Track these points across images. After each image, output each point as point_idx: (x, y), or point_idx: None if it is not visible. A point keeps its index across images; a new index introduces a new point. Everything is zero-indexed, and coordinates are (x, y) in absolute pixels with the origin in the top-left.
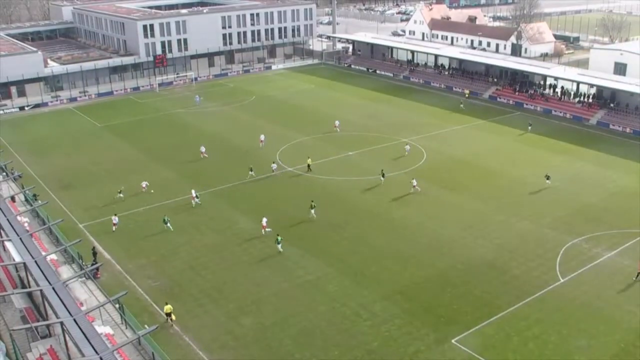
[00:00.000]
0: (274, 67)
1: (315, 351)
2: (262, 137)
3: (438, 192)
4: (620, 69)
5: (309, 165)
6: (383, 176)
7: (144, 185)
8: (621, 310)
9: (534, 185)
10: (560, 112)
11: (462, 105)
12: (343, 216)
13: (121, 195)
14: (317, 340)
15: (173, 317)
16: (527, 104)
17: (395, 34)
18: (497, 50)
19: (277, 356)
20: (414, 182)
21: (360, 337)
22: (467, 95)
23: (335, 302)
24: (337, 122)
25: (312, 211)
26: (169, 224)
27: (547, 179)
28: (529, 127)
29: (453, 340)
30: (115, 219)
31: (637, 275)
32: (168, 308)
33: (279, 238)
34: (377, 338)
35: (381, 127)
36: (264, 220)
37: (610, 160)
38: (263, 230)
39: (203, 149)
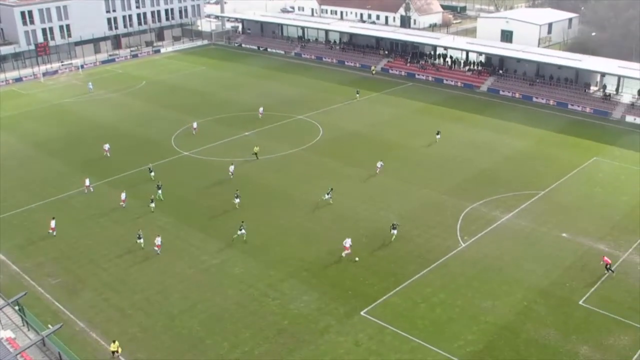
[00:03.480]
0: (162, 50)
1: (226, 335)
2: (195, 123)
3: (337, 166)
4: (506, 36)
5: (255, 154)
6: (329, 193)
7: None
8: (522, 270)
9: (431, 154)
10: (452, 81)
11: (358, 96)
12: (243, 197)
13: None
14: (227, 324)
15: (119, 350)
16: (418, 74)
17: (284, 10)
18: (386, 23)
19: (188, 344)
20: (379, 165)
21: (270, 317)
22: (373, 72)
23: (243, 284)
24: (261, 109)
25: (237, 200)
26: (159, 193)
27: (437, 133)
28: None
29: (362, 312)
30: (52, 223)
31: (607, 268)
32: (114, 346)
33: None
34: (287, 317)
35: (275, 105)
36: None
37: (503, 125)
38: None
39: (107, 147)
